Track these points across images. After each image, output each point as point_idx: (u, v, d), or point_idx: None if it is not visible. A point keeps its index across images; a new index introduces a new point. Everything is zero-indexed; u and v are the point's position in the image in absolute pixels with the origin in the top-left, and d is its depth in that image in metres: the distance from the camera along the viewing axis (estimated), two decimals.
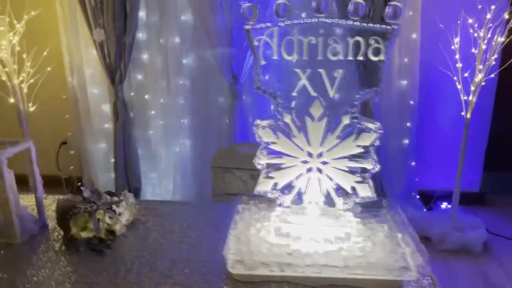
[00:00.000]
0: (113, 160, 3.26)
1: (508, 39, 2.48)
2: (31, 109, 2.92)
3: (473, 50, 2.55)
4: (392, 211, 1.48)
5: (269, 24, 1.16)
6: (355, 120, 1.22)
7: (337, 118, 1.24)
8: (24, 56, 2.80)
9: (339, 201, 1.31)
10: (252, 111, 3.07)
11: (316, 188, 1.30)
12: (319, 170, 1.28)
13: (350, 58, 1.16)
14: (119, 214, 1.54)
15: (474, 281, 2.56)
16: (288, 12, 1.16)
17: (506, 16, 2.45)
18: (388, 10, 1.07)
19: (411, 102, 2.90)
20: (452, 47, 2.57)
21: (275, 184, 1.31)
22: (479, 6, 2.45)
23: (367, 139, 1.22)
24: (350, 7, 1.10)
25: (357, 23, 1.12)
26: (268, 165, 1.30)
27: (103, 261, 1.35)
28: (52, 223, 1.58)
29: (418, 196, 3.17)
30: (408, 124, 2.93)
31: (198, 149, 3.20)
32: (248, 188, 2.16)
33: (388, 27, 1.11)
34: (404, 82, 2.87)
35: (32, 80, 2.84)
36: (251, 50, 1.21)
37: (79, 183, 3.45)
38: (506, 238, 2.94)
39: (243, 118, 3.01)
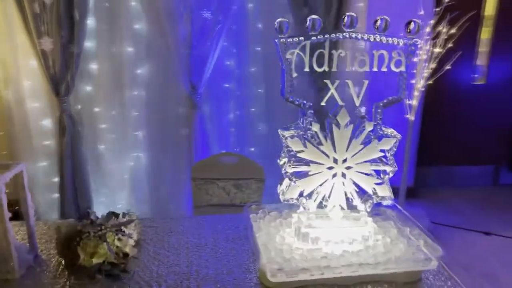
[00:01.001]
0: (56, 179, 3.00)
1: (444, 49, 2.82)
2: None
3: (414, 59, 2.84)
4: (391, 208, 1.60)
5: (302, 38, 1.20)
6: (378, 126, 1.32)
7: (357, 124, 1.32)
8: None
9: (360, 203, 1.39)
10: (211, 120, 3.06)
11: (340, 192, 1.37)
12: (343, 175, 1.35)
13: (375, 69, 1.25)
14: (129, 235, 1.45)
15: None
16: (319, 27, 1.21)
17: (444, 29, 2.78)
18: (412, 26, 1.18)
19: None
20: None
21: (302, 192, 1.35)
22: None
23: (388, 144, 1.32)
24: (378, 23, 1.19)
25: (384, 38, 1.21)
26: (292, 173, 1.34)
27: (124, 287, 1.28)
28: (44, 252, 1.45)
29: None
30: None
31: (154, 162, 3.08)
32: (231, 198, 2.16)
33: (410, 41, 1.22)
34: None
35: None
36: (283, 63, 1.24)
37: (16, 207, 3.10)
38: (452, 227, 3.32)
39: (203, 128, 2.98)
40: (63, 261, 1.39)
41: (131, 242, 1.46)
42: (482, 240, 3.27)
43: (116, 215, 1.50)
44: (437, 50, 2.82)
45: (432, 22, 2.75)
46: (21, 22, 2.63)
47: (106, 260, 1.36)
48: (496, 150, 4.24)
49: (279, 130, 1.37)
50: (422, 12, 2.65)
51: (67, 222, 1.49)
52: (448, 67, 2.89)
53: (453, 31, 2.80)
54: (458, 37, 2.90)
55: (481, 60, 3.99)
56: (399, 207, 1.60)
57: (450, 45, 2.84)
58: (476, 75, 4.03)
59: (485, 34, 3.89)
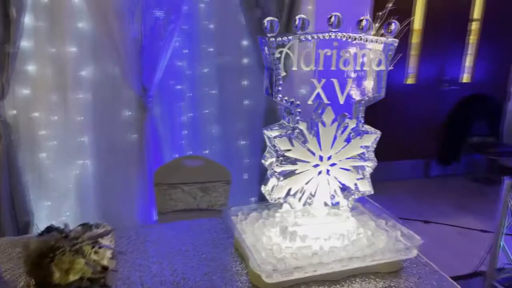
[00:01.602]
0: None
1: None
2: None
3: None
4: (361, 202, 1.67)
5: (290, 38, 1.20)
6: (360, 124, 1.36)
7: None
8: None
9: (343, 199, 1.43)
10: (162, 123, 2.95)
11: (325, 189, 1.39)
12: (327, 172, 1.37)
13: (358, 68, 1.29)
14: (107, 247, 1.35)
15: None
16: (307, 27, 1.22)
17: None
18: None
19: None
20: None
21: (289, 190, 1.36)
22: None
23: (369, 140, 1.37)
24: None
25: (366, 38, 1.26)
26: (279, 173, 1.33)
27: None
28: (8, 272, 1.31)
29: None
30: None
31: (102, 169, 2.90)
32: (198, 202, 2.11)
33: (388, 41, 1.29)
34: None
35: None
36: (270, 61, 1.23)
37: None
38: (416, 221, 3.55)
39: (154, 131, 2.87)
40: (32, 281, 1.26)
41: (109, 254, 1.36)
42: (423, 229, 3.53)
43: (89, 226, 1.39)
44: None
45: (376, 25, 2.91)
46: None
47: (84, 276, 1.25)
48: (426, 145, 4.60)
49: (264, 131, 1.36)
50: (368, 16, 2.79)
51: (34, 238, 1.35)
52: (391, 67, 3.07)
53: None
54: None
55: (412, 62, 4.31)
56: (370, 200, 1.67)
57: None
58: (407, 76, 4.35)
59: (415, 39, 4.22)
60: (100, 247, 1.34)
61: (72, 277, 1.24)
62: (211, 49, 2.94)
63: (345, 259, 1.30)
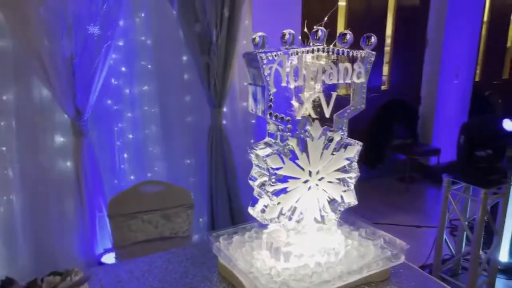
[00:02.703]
0: None
1: None
2: None
3: None
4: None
5: (280, 53, 1.17)
6: (344, 136, 1.36)
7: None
8: None
9: (331, 213, 1.41)
10: (100, 148, 2.71)
11: (315, 205, 1.37)
12: (316, 187, 1.35)
13: (341, 81, 1.29)
14: None
15: None
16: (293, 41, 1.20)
17: None
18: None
19: (253, 121, 3.20)
20: None
21: (281, 210, 1.31)
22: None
23: (352, 151, 1.38)
24: (348, 37, 1.25)
25: (348, 51, 1.27)
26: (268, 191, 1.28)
27: None
28: None
29: None
30: (252, 141, 3.22)
31: (31, 205, 2.56)
32: (160, 230, 1.96)
33: (365, 53, 1.31)
34: (245, 104, 3.15)
35: None
36: (257, 78, 1.18)
37: None
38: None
39: (92, 157, 2.62)
40: None
41: None
42: None
43: (59, 274, 1.20)
44: None
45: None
46: None
47: None
48: None
49: (251, 150, 1.29)
50: (305, 29, 2.87)
51: None
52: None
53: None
54: None
55: None
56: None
57: None
58: None
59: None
60: None
61: None
62: (150, 66, 2.78)
63: (345, 274, 1.28)
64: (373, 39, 1.29)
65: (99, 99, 2.60)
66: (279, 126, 1.27)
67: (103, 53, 2.46)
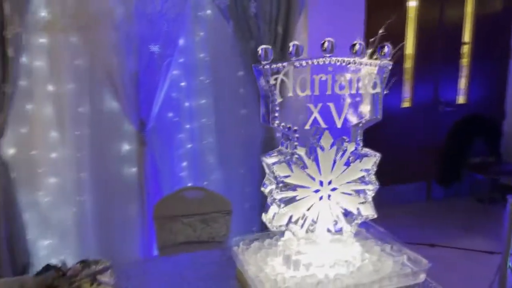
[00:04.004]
0: None
1: None
2: None
3: None
4: (366, 227, 1.64)
5: (285, 64, 1.21)
6: (359, 147, 1.35)
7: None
8: None
9: (346, 224, 1.40)
10: (161, 156, 2.94)
11: (327, 215, 1.37)
12: (329, 197, 1.35)
13: (354, 92, 1.30)
14: (106, 283, 1.31)
15: None
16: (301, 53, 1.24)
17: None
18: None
19: None
20: None
21: (290, 217, 1.33)
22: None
23: (369, 163, 1.36)
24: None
25: (360, 61, 1.27)
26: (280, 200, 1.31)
27: None
28: None
29: None
30: None
31: (101, 206, 2.87)
32: (198, 234, 2.07)
33: (382, 64, 1.30)
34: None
35: None
36: (266, 89, 1.24)
37: None
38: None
39: (153, 165, 2.86)
40: None
41: None
42: (429, 252, 3.46)
43: (87, 263, 1.36)
44: None
45: (368, 51, 2.96)
46: None
47: None
48: (427, 168, 4.58)
49: (262, 158, 1.35)
50: (360, 40, 2.84)
51: (29, 278, 1.31)
52: (386, 91, 3.11)
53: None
54: None
55: (407, 86, 4.36)
56: (373, 225, 1.64)
57: None
58: (403, 100, 4.39)
59: (408, 63, 4.29)
60: (99, 284, 1.30)
61: None
62: (208, 81, 2.97)
63: (351, 286, 1.26)
64: (387, 49, 1.28)
65: (161, 111, 2.83)
66: (289, 136, 1.30)
67: (164, 69, 2.70)
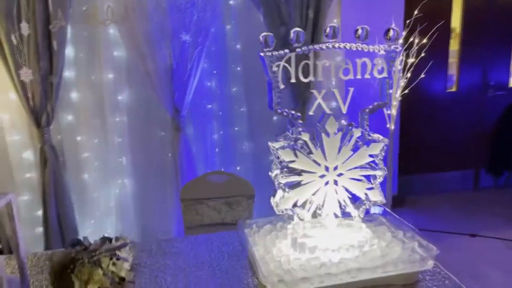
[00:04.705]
0: (40, 212, 2.92)
1: (417, 59, 2.93)
2: None
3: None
4: (383, 214, 1.63)
5: (287, 51, 1.24)
6: (365, 132, 1.35)
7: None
8: None
9: (353, 209, 1.41)
10: (195, 142, 3.06)
11: (333, 200, 1.38)
12: (335, 183, 1.37)
13: (359, 77, 1.29)
14: (124, 258, 1.43)
15: None
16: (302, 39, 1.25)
17: (416, 40, 2.89)
18: (391, 33, 1.24)
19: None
20: None
21: (296, 202, 1.37)
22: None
23: (376, 148, 1.35)
24: (359, 32, 1.24)
25: (365, 46, 1.26)
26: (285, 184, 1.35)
27: None
28: (36, 284, 1.41)
29: None
30: None
31: (140, 188, 3.05)
32: (222, 217, 2.15)
33: (390, 48, 1.28)
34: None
35: None
36: (268, 75, 1.27)
37: None
38: (438, 232, 3.39)
39: (188, 150, 2.98)
40: None
41: (127, 266, 1.43)
42: (468, 242, 3.33)
43: (108, 239, 1.48)
44: (410, 60, 2.92)
45: (404, 33, 2.87)
46: None
47: (102, 287, 1.33)
48: (475, 155, 4.36)
49: (269, 142, 1.38)
50: (393, 25, 2.75)
51: (59, 251, 1.45)
52: (422, 75, 3.00)
53: (424, 41, 2.93)
54: (430, 48, 3.02)
55: (452, 70, 4.15)
56: (390, 212, 1.63)
57: (422, 55, 2.96)
58: (448, 84, 4.18)
59: (454, 46, 4.07)
60: (117, 259, 1.41)
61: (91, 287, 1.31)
62: (239, 68, 3.02)
63: (354, 270, 1.28)
64: (392, 32, 1.25)
65: (194, 98, 2.94)
66: (293, 121, 1.33)
67: (196, 58, 2.78)
